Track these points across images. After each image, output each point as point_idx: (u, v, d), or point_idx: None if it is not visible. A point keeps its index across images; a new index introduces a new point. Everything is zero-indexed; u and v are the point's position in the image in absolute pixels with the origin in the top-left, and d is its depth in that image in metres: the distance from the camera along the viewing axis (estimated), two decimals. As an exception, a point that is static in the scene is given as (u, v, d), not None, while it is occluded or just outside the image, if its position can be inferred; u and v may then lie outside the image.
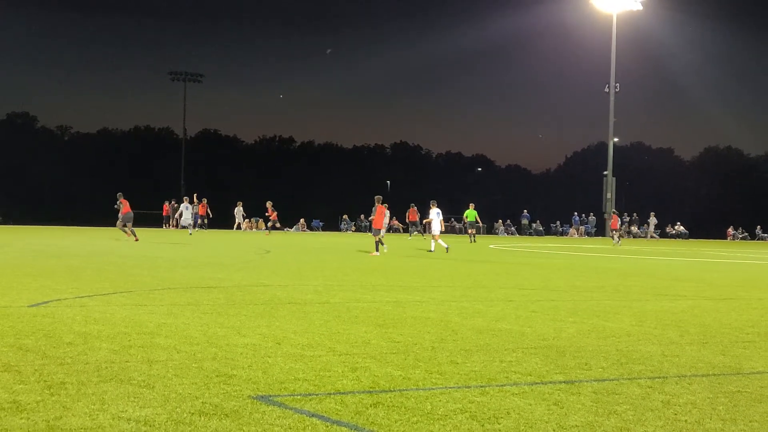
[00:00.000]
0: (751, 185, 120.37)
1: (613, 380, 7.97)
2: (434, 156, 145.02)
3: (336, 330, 10.68)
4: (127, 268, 20.69)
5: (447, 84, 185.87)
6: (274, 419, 6.19)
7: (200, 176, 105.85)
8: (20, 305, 12.38)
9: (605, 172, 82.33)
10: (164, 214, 65.95)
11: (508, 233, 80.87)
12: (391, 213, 61.45)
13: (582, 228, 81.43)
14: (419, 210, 59.67)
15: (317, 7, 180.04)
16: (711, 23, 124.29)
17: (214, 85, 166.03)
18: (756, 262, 35.09)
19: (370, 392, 7.16)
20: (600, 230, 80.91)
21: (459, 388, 7.45)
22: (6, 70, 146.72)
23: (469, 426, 6.17)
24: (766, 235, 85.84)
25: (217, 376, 7.59)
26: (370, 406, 6.66)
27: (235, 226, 66.66)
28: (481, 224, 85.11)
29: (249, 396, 6.87)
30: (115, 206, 39.60)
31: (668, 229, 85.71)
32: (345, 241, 37.62)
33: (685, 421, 6.49)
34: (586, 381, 7.89)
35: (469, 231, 55.83)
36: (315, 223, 76.63)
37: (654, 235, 71.05)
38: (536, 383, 7.72)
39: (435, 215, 36.41)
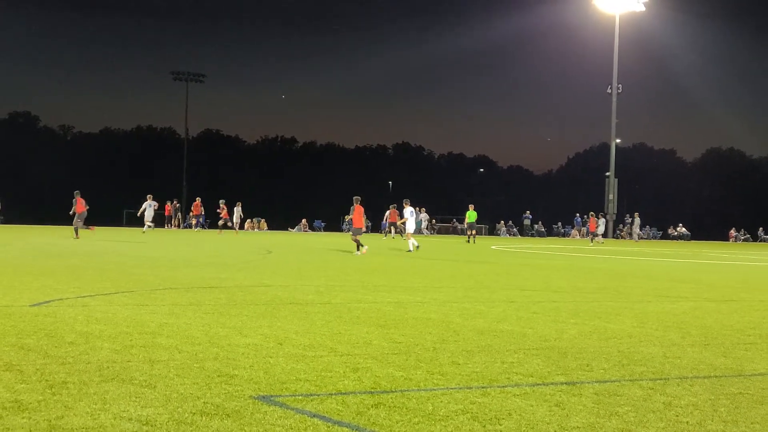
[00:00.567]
0: (754, 187, 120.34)
1: (614, 381, 7.97)
2: (436, 157, 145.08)
3: (337, 330, 10.68)
4: (128, 268, 20.69)
5: (449, 84, 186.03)
6: (276, 419, 6.19)
7: (202, 176, 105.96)
8: (22, 305, 12.38)
9: (607, 173, 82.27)
10: (166, 214, 65.98)
11: (510, 234, 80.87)
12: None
13: (584, 229, 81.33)
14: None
15: (319, 7, 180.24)
16: (713, 24, 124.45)
17: (216, 85, 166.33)
18: (758, 263, 35.08)
19: (371, 393, 7.16)
20: (603, 232, 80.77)
21: (460, 388, 7.45)
22: (8, 69, 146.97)
23: (470, 427, 6.17)
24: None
25: (218, 376, 7.59)
26: (372, 406, 6.66)
27: (233, 225, 66.62)
28: (478, 225, 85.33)
29: (250, 396, 6.87)
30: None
31: (670, 231, 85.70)
32: (346, 242, 37.61)
33: (687, 422, 6.49)
34: (588, 382, 7.89)
35: (468, 232, 56.03)
36: (317, 223, 76.68)
37: (641, 234, 70.87)
38: (538, 384, 7.72)
39: (409, 214, 36.45)
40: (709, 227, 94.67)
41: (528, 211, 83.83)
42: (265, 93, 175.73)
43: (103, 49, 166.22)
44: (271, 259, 27.41)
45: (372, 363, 8.48)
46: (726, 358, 9.54)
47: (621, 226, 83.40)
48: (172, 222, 65.47)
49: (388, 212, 60.71)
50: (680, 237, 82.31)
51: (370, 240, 49.97)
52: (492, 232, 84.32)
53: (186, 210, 68.75)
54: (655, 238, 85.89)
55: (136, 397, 6.69)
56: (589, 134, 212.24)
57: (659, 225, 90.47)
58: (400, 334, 10.56)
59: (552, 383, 7.79)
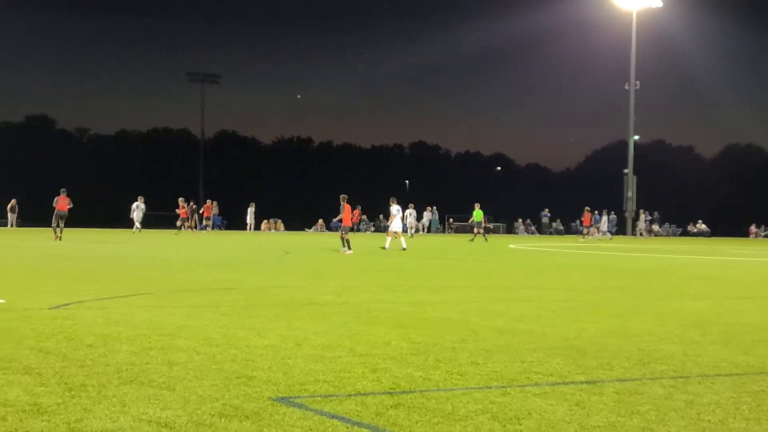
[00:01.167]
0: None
1: (635, 380, 7.92)
2: (453, 155, 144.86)
3: (355, 331, 10.66)
4: (145, 270, 20.75)
5: (466, 83, 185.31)
6: (295, 421, 6.17)
7: (218, 177, 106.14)
8: (41, 307, 12.41)
9: (626, 170, 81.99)
10: (183, 215, 66.08)
11: (528, 232, 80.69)
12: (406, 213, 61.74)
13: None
14: (420, 209, 60.70)
15: (335, 6, 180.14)
16: (731, 20, 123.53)
17: (231, 87, 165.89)
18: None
19: (390, 393, 7.13)
20: (621, 229, 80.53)
21: (480, 388, 7.41)
22: (24, 73, 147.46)
23: (490, 427, 6.14)
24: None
25: (237, 377, 7.57)
26: (391, 407, 6.63)
27: (247, 227, 66.79)
28: (496, 224, 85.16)
29: (269, 397, 6.85)
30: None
31: (689, 228, 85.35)
32: (363, 242, 37.65)
33: (709, 420, 6.44)
34: (608, 381, 7.84)
35: (475, 230, 56.21)
36: (333, 223, 76.58)
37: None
38: (558, 383, 7.68)
39: (396, 212, 36.56)
40: (728, 224, 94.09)
41: (546, 209, 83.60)
42: (280, 93, 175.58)
43: (118, 52, 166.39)
44: (288, 259, 27.43)
45: (391, 363, 8.46)
46: (747, 355, 9.46)
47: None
48: (189, 223, 65.54)
49: (409, 211, 60.99)
50: (700, 234, 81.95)
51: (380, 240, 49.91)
52: (510, 230, 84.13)
53: (199, 211, 68.87)
54: (674, 235, 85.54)
55: (155, 399, 6.68)
56: (607, 131, 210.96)
57: (678, 222, 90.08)
58: (418, 334, 10.53)
59: (572, 382, 7.75)
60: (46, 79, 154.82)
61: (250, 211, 67.70)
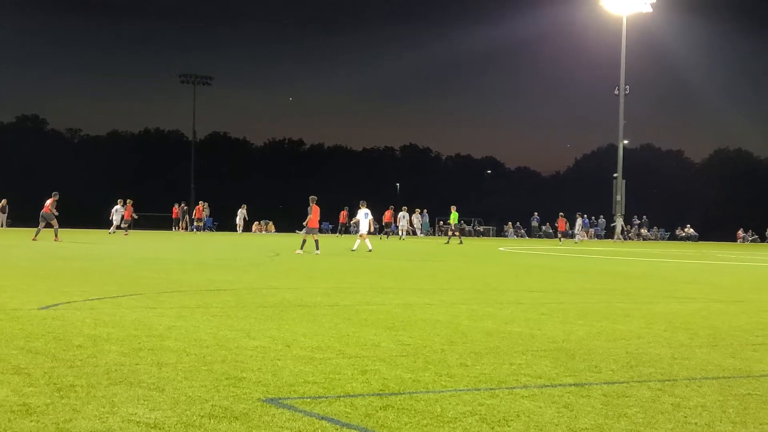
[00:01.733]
0: (762, 187, 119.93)
1: (622, 383, 7.96)
2: (444, 158, 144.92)
3: (345, 333, 10.68)
4: (135, 271, 20.72)
5: (456, 86, 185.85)
6: (284, 422, 6.19)
7: (210, 179, 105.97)
8: (30, 308, 12.40)
9: (615, 174, 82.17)
10: (174, 216, 66.08)
11: (517, 236, 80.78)
12: (397, 215, 62.01)
13: (591, 230, 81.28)
14: (409, 212, 61.05)
15: (326, 9, 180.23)
16: (721, 25, 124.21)
17: (223, 88, 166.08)
18: (766, 264, 34.99)
19: (379, 395, 7.15)
20: (609, 233, 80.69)
21: (469, 390, 7.44)
22: (15, 73, 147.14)
23: (478, 428, 6.17)
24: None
25: (226, 378, 7.59)
26: (380, 408, 6.65)
27: (237, 228, 66.73)
28: (486, 227, 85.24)
29: (259, 399, 6.87)
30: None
31: (678, 231, 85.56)
32: (353, 244, 37.62)
33: (695, 423, 6.48)
34: (596, 383, 7.88)
35: (449, 233, 56.63)
36: (324, 225, 76.55)
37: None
38: (546, 386, 7.71)
39: (363, 216, 37.05)
40: (716, 228, 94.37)
41: (536, 213, 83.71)
42: (272, 95, 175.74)
43: (110, 52, 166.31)
44: (278, 261, 27.43)
45: (380, 365, 8.48)
46: (734, 359, 9.52)
47: (629, 227, 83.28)
48: (180, 225, 65.51)
49: (402, 213, 61.29)
50: (688, 238, 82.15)
51: (377, 242, 49.98)
52: (500, 233, 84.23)
53: (190, 213, 68.83)
54: (662, 238, 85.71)
55: (145, 400, 6.69)
56: (597, 135, 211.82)
57: (667, 226, 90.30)
58: (408, 336, 10.56)
59: (560, 385, 7.79)
60: (37, 79, 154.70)
61: (240, 212, 67.61)
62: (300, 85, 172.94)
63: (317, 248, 32.30)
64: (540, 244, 57.20)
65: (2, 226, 60.84)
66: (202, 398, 6.82)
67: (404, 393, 7.25)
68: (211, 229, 68.23)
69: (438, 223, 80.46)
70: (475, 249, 45.69)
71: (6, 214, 62.37)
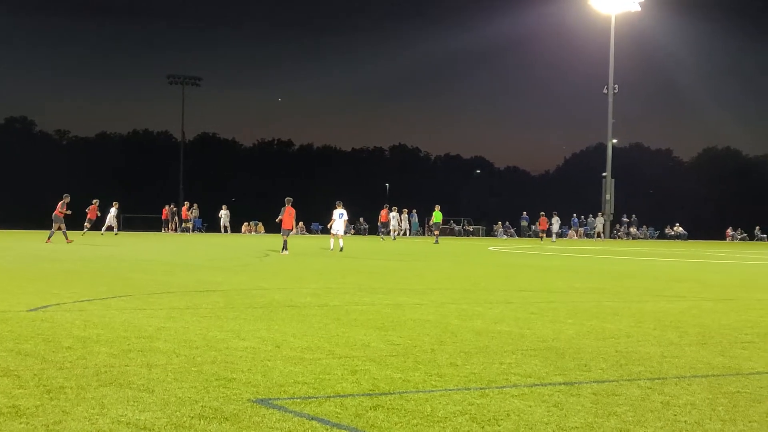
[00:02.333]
0: (750, 186, 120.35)
1: (612, 381, 7.97)
2: (433, 158, 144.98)
3: (335, 333, 10.68)
4: (125, 272, 20.68)
5: (445, 86, 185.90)
6: (274, 422, 6.19)
7: (199, 180, 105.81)
8: (19, 310, 12.37)
9: (604, 174, 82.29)
10: (163, 217, 65.92)
11: (507, 235, 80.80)
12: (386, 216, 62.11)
13: (581, 230, 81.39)
14: (392, 212, 61.37)
15: (315, 10, 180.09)
16: (709, 24, 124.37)
17: (212, 89, 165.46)
18: (755, 262, 35.10)
19: (369, 395, 7.16)
20: (602, 232, 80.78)
21: (459, 390, 7.45)
22: (3, 74, 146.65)
23: (468, 428, 6.17)
24: (765, 235, 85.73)
25: (216, 379, 7.58)
26: (370, 408, 6.66)
27: (222, 230, 66.51)
28: (476, 227, 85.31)
29: (249, 399, 6.87)
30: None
31: (667, 230, 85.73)
32: (346, 244, 37.63)
33: (685, 421, 6.50)
34: (586, 382, 7.89)
35: (435, 232, 56.86)
36: (314, 226, 76.52)
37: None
38: (536, 385, 7.73)
39: (337, 216, 37.51)
40: (705, 226, 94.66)
41: (525, 212, 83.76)
42: (261, 96, 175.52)
43: (98, 53, 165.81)
44: (268, 261, 27.40)
45: (370, 365, 8.48)
46: (724, 357, 9.54)
47: (618, 226, 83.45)
48: (170, 226, 65.37)
49: (393, 214, 61.42)
50: (677, 236, 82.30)
51: (367, 242, 49.99)
52: (489, 233, 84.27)
53: (179, 214, 68.67)
54: (652, 237, 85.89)
55: (134, 402, 6.68)
56: (586, 134, 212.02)
57: (656, 225, 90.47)
58: (398, 335, 10.56)
59: (550, 384, 7.80)
60: (26, 80, 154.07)
61: (224, 213, 67.28)
62: (289, 86, 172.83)
63: (285, 248, 33.13)
64: (529, 244, 57.28)
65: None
66: (192, 399, 6.81)
67: (394, 393, 7.26)
68: (200, 230, 68.09)
69: (427, 223, 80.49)
70: (464, 249, 45.71)
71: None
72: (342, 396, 7.10)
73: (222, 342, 9.70)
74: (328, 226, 38.67)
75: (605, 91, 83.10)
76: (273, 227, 74.89)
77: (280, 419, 6.28)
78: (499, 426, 6.25)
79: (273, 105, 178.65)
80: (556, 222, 66.99)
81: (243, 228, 70.09)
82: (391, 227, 61.86)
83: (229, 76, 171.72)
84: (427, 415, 6.49)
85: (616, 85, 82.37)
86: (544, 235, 64.85)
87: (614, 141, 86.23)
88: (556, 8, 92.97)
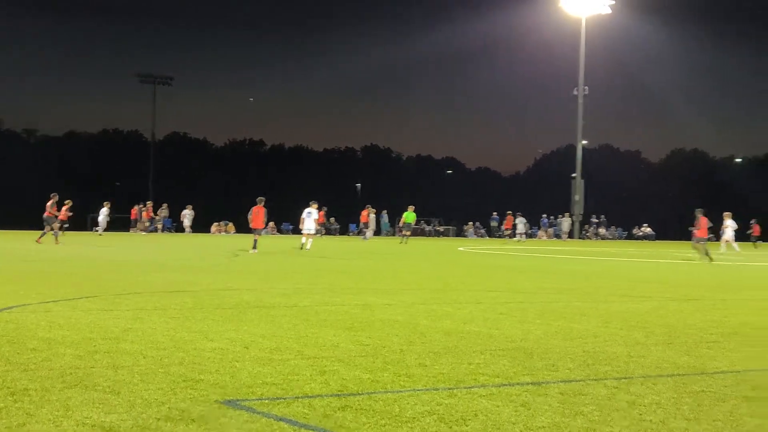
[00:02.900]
0: (717, 187, 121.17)
1: (579, 381, 8.01)
2: (404, 159, 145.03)
3: (304, 334, 10.66)
4: (92, 273, 20.55)
5: (417, 87, 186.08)
6: (242, 423, 6.16)
7: (170, 180, 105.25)
8: (-15, 311, 12.26)
9: (573, 175, 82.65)
10: (132, 217, 65.52)
11: (477, 235, 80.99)
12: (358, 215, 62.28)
13: (551, 230, 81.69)
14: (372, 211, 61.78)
15: (286, 10, 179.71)
16: (678, 26, 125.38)
17: (183, 88, 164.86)
18: (721, 263, 35.36)
19: (338, 395, 7.15)
20: (570, 233, 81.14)
21: (427, 390, 7.46)
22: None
23: (437, 428, 6.18)
24: (754, 238, 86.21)
25: (183, 380, 7.55)
26: (339, 409, 6.65)
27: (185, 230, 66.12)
28: (446, 227, 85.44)
29: (216, 400, 6.84)
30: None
31: (635, 231, 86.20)
32: (313, 244, 37.64)
33: (650, 420, 6.54)
34: (553, 382, 7.92)
35: (404, 232, 57.04)
36: (285, 226, 76.34)
37: (522, 237, 71.24)
38: (504, 385, 7.75)
39: (306, 215, 38.05)
40: (673, 227, 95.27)
41: (495, 213, 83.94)
42: (233, 96, 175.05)
43: (67, 51, 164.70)
44: (238, 262, 27.32)
45: (339, 366, 8.48)
46: (689, 356, 9.61)
47: (587, 226, 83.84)
48: (139, 225, 64.98)
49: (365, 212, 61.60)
50: (645, 237, 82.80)
51: (339, 242, 49.94)
52: (460, 233, 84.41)
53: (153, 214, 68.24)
54: (620, 238, 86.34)
55: (100, 404, 6.64)
56: (557, 136, 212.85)
57: (624, 225, 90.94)
58: (367, 336, 10.56)
59: (518, 383, 7.82)
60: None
61: (187, 213, 66.82)
62: (260, 86, 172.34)
63: (254, 247, 33.88)
64: (499, 244, 57.46)
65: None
66: (158, 401, 6.78)
67: (363, 393, 7.26)
68: (169, 230, 67.73)
69: (398, 223, 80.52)
70: (434, 249, 45.78)
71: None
72: (310, 397, 7.08)
73: (190, 343, 9.66)
74: (300, 226, 39.01)
75: (575, 92, 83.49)
76: (243, 227, 74.83)
77: (247, 420, 6.26)
78: (467, 426, 6.26)
79: (244, 105, 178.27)
80: (520, 222, 67.39)
81: (213, 228, 69.76)
82: (305, 225, 61.81)
83: (200, 76, 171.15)
84: (396, 416, 6.49)
85: (586, 87, 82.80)
86: (510, 234, 65.61)
87: (584, 142, 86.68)
88: (528, 10, 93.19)
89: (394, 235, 76.64)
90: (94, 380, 7.48)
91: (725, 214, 44.95)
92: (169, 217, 69.24)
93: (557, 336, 11.05)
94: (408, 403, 6.90)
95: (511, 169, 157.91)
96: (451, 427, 6.21)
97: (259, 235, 34.99)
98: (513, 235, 66.37)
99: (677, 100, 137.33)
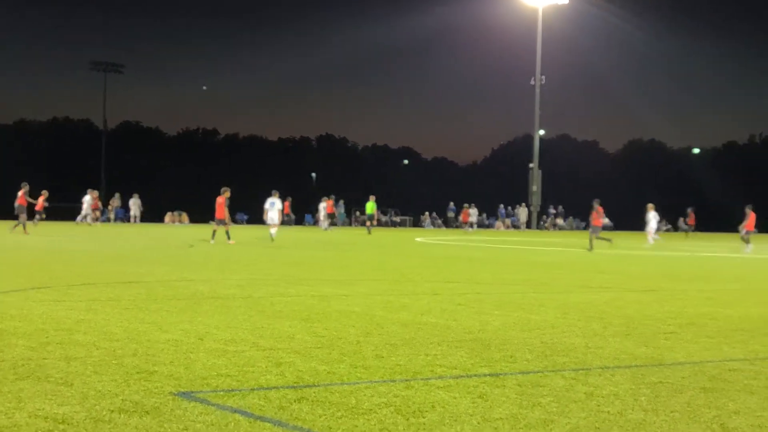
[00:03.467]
0: (674, 178, 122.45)
1: (537, 372, 8.00)
2: (360, 148, 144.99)
3: (260, 325, 10.58)
4: (44, 263, 20.29)
5: (373, 76, 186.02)
6: (196, 415, 6.08)
7: (121, 169, 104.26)
8: (-66, 301, 12.04)
9: (531, 165, 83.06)
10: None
11: (434, 226, 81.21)
12: (315, 206, 62.26)
13: (508, 220, 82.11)
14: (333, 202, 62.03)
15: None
16: (635, 17, 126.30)
17: (135, 77, 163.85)
18: (678, 254, 35.72)
19: (294, 387, 7.08)
20: (528, 222, 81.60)
21: (384, 382, 7.41)
22: None
23: (393, 420, 6.13)
24: (687, 227, 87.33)
25: (137, 372, 7.44)
26: (295, 401, 6.58)
27: (132, 219, 65.63)
28: (403, 217, 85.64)
29: (170, 392, 6.74)
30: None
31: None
32: (267, 234, 37.49)
33: (608, 412, 6.53)
34: (511, 373, 7.91)
35: (367, 223, 57.27)
36: (239, 216, 76.06)
37: (470, 228, 71.73)
38: (461, 376, 7.72)
39: (269, 205, 38.23)
40: (630, 218, 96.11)
41: (452, 203, 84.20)
42: (185, 84, 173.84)
43: (16, 38, 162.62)
44: (192, 252, 27.12)
45: (295, 357, 8.40)
46: (647, 347, 9.64)
47: (545, 216, 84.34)
48: (91, 215, 64.31)
49: (323, 204, 61.34)
50: (603, 228, 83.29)
51: (295, 232, 49.78)
52: (417, 223, 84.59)
53: (104, 203, 67.62)
54: (578, 228, 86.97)
55: (52, 395, 6.52)
56: (514, 126, 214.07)
57: (582, 215, 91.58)
58: (323, 327, 10.50)
59: (475, 375, 7.80)
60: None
61: (134, 202, 66.25)
62: (214, 75, 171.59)
63: (229, 238, 34.07)
64: (456, 235, 57.63)
65: None
66: (111, 392, 6.67)
67: (319, 385, 7.19)
68: (122, 220, 67.19)
69: (355, 213, 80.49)
70: (391, 239, 45.79)
71: None
72: (266, 388, 7.01)
73: (143, 334, 9.54)
74: (264, 217, 39.06)
75: (532, 82, 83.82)
76: (197, 217, 74.38)
77: (202, 412, 6.17)
78: (424, 418, 6.21)
79: (198, 93, 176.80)
80: (473, 212, 68.01)
81: (167, 218, 69.36)
82: (321, 218, 61.97)
83: (152, 64, 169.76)
84: (352, 408, 6.43)
85: (543, 77, 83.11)
86: (468, 226, 67.18)
87: (541, 132, 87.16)
88: (484, 0, 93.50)
89: (351, 225, 76.69)
90: (47, 372, 7.36)
91: (648, 205, 45.67)
92: (122, 207, 68.70)
93: (515, 327, 11.05)
94: (365, 395, 6.85)
95: (467, 159, 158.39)
96: (408, 419, 6.17)
97: (219, 225, 35.20)
98: (471, 226, 67.01)
99: (635, 90, 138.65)
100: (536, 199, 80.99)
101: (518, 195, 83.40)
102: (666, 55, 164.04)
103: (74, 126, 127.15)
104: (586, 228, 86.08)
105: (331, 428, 5.90)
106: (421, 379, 7.53)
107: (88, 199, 56.13)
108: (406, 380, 7.48)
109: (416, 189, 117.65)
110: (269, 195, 39.13)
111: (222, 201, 35.19)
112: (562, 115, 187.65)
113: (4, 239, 32.58)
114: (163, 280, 16.60)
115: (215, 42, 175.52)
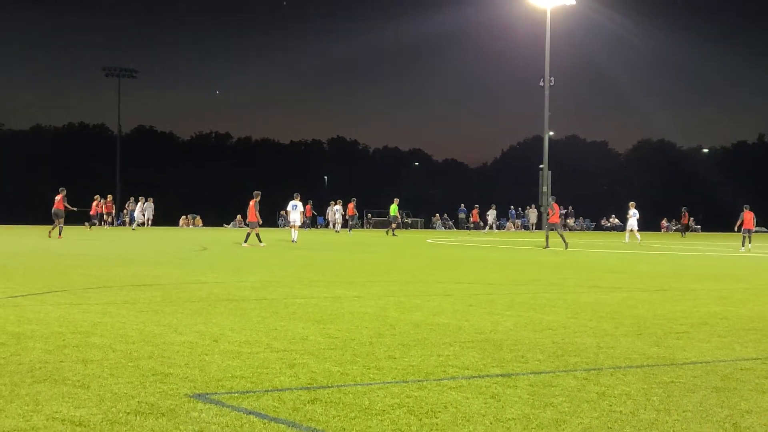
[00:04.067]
0: (683, 177, 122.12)
1: (549, 373, 8.04)
2: (371, 151, 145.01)
3: (273, 326, 10.64)
4: (61, 267, 20.40)
5: (384, 79, 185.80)
6: (211, 417, 6.14)
7: (136, 173, 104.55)
8: (-49, 306, 12.13)
9: (541, 166, 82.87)
10: (99, 211, 65.03)
11: (445, 227, 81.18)
12: (325, 209, 62.42)
13: (519, 221, 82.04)
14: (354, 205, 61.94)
15: (253, 2, 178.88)
16: (644, 18, 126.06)
17: (148, 81, 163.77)
18: (689, 253, 35.66)
19: (307, 388, 7.14)
20: (537, 224, 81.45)
21: (397, 382, 7.46)
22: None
23: (406, 420, 6.18)
24: (698, 226, 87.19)
25: (153, 374, 7.51)
26: (308, 402, 6.64)
27: (143, 223, 65.75)
28: (414, 219, 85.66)
29: (186, 394, 6.81)
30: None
31: (603, 222, 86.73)
32: (280, 237, 37.59)
33: (620, 412, 6.57)
34: (523, 374, 7.95)
35: (392, 225, 57.43)
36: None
37: (490, 230, 71.51)
38: (473, 377, 7.76)
39: (291, 207, 38.45)
40: (641, 218, 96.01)
41: (463, 205, 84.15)
42: (199, 89, 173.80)
43: (33, 44, 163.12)
44: (206, 255, 27.22)
45: (308, 358, 8.47)
46: (658, 347, 9.67)
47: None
48: (106, 220, 64.52)
49: (338, 207, 61.84)
50: (613, 228, 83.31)
51: (308, 234, 49.86)
52: (427, 225, 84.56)
53: (119, 207, 67.83)
54: (588, 229, 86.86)
55: (69, 398, 6.59)
56: (523, 127, 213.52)
57: (592, 216, 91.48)
58: (336, 329, 10.55)
59: (487, 375, 7.84)
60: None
61: (147, 206, 66.31)
62: (226, 78, 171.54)
63: (246, 240, 33.89)
64: (467, 236, 57.61)
65: None
66: (128, 395, 6.74)
67: (332, 386, 7.25)
68: (138, 225, 67.30)
69: (366, 215, 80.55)
70: (403, 241, 45.82)
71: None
72: (280, 390, 7.07)
73: (159, 337, 9.61)
74: (288, 218, 39.37)
75: (541, 84, 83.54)
76: (211, 221, 74.57)
77: (217, 414, 6.24)
78: (436, 418, 6.27)
79: (211, 98, 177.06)
80: (491, 213, 68.07)
81: (181, 221, 69.54)
82: (334, 220, 62.22)
83: (166, 69, 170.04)
84: (365, 408, 6.49)
85: (552, 78, 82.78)
86: (473, 226, 68.08)
87: (551, 133, 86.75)
88: (493, 1, 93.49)
89: (362, 227, 76.78)
90: (64, 374, 7.44)
91: (630, 203, 46.03)
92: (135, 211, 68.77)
93: (526, 327, 11.09)
94: (377, 396, 6.90)
95: (478, 161, 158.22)
96: (420, 420, 6.22)
97: (253, 228, 35.08)
98: (478, 227, 67.05)
99: (643, 90, 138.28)
100: (546, 200, 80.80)
101: (529, 196, 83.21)
102: (675, 54, 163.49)
103: (89, 131, 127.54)
104: (595, 228, 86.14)
105: (344, 429, 5.96)
106: (434, 380, 7.58)
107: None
108: (419, 381, 7.53)
109: (427, 191, 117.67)
110: (290, 198, 39.34)
111: (253, 204, 35.19)
112: (571, 116, 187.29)
113: (36, 243, 32.74)
114: (177, 282, 16.68)
115: (227, 46, 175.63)
